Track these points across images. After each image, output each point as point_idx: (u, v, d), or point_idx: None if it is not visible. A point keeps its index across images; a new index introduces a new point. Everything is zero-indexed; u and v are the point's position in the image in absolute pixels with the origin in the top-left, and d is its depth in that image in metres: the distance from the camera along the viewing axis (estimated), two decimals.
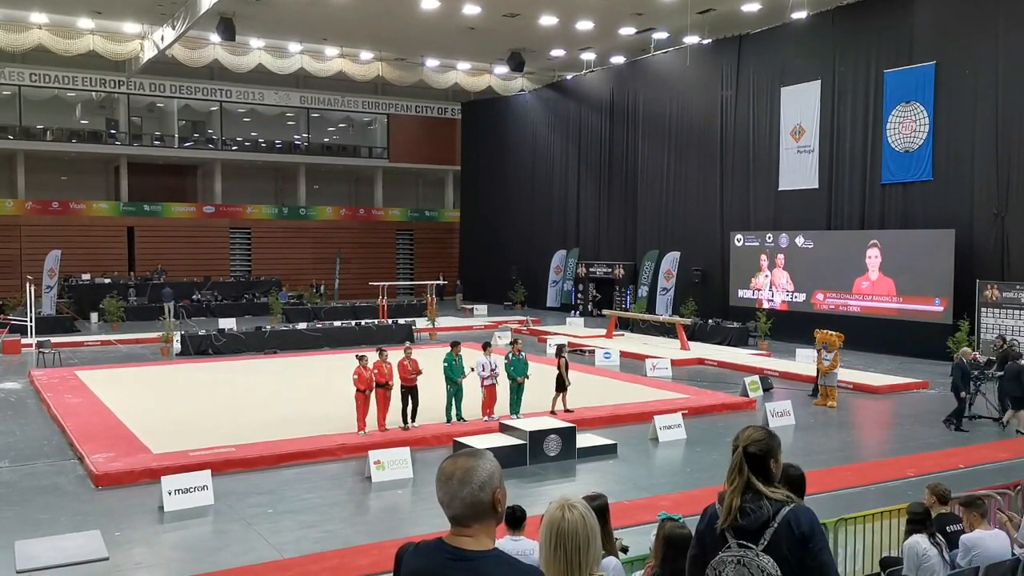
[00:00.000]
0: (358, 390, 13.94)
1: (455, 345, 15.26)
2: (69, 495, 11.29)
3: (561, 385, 15.75)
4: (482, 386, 15.01)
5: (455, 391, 14.91)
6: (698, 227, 32.13)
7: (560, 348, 16.54)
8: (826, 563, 3.38)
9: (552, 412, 15.37)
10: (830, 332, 17.66)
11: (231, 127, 44.26)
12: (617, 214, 36.57)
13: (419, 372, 14.58)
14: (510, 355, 15.41)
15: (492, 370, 15.04)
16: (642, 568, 4.94)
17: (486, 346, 15.60)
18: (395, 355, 14.85)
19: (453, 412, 14.94)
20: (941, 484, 7.45)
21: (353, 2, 30.79)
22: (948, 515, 7.08)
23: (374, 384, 13.98)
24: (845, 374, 20.44)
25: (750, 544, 3.38)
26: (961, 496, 7.13)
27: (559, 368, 15.79)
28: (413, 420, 14.46)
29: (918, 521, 6.42)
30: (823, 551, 3.40)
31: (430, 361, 15.78)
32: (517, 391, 15.14)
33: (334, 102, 45.65)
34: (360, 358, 14.16)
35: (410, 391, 14.41)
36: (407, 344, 16.94)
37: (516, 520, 6.01)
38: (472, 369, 14.93)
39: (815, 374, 18.14)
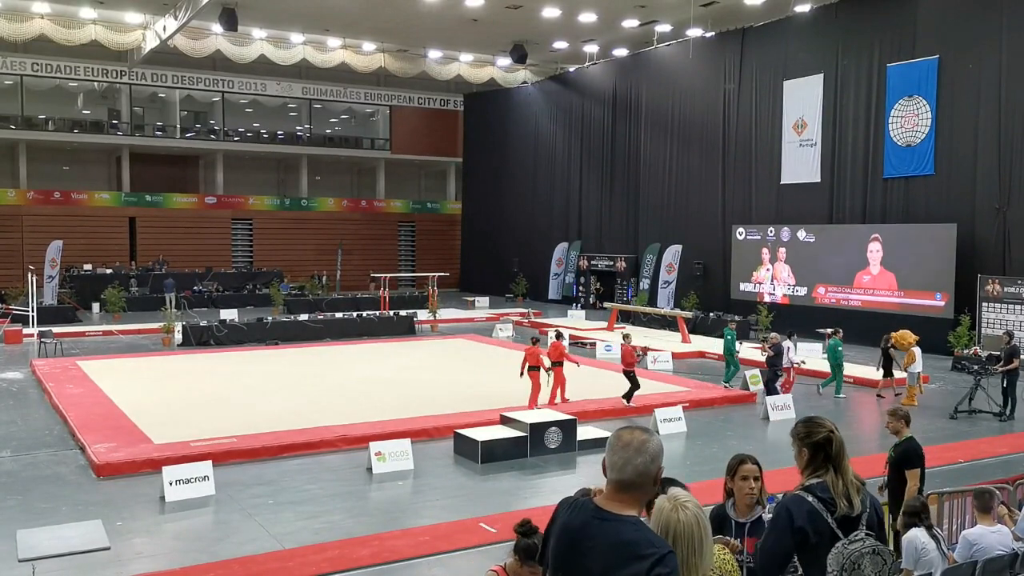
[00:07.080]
0: (532, 368, 15.55)
1: (731, 322, 18.80)
2: (71, 485, 11.33)
3: (889, 372, 17.75)
4: (795, 370, 17.47)
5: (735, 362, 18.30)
6: (700, 220, 32.09)
7: (887, 339, 17.89)
8: None
9: (879, 395, 17.89)
10: (906, 333, 17.81)
11: (233, 118, 44.21)
12: (619, 207, 36.53)
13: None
14: (830, 341, 18.06)
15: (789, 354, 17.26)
16: None
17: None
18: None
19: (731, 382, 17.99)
20: (901, 407, 7.78)
21: None
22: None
23: (550, 363, 15.74)
24: (846, 368, 20.42)
25: (856, 532, 3.44)
26: (971, 488, 7.12)
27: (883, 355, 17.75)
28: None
29: (915, 514, 6.42)
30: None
31: (435, 357, 15.76)
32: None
33: (336, 93, 45.55)
34: (535, 340, 16.23)
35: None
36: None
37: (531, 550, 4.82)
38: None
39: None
